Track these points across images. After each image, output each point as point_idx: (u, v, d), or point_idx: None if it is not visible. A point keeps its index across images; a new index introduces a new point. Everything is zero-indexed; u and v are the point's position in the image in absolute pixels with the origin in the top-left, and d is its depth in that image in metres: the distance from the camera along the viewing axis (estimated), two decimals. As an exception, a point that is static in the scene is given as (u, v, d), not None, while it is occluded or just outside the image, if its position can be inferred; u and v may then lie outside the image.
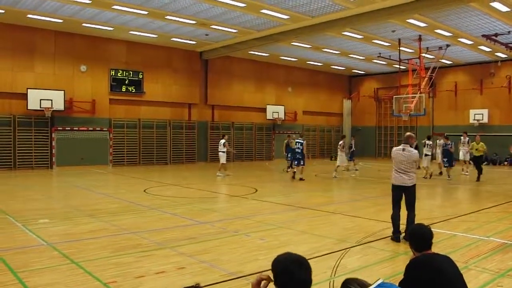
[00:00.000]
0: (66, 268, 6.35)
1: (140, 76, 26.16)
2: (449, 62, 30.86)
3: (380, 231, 8.87)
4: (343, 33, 23.24)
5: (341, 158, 20.84)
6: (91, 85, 24.47)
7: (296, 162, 19.66)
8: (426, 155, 20.25)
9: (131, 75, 25.81)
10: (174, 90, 27.67)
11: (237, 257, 7.04)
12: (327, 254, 7.25)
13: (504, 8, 18.89)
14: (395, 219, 8.23)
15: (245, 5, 18.87)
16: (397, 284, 3.24)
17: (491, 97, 30.67)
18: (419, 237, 3.84)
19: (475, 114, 30.91)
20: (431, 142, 21.05)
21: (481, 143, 19.81)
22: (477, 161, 19.79)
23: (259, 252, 7.40)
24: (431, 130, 32.51)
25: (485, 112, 30.53)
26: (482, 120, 30.56)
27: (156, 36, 24.37)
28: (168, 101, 27.50)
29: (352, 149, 24.12)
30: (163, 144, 27.35)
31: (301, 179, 18.90)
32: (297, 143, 19.63)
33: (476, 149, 19.79)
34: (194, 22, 21.59)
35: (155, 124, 26.98)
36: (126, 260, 6.73)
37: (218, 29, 22.81)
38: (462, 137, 22.21)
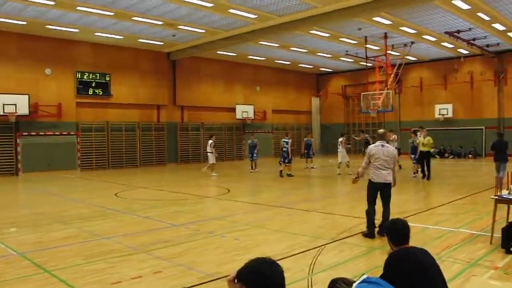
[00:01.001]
0: (39, 277, 6.19)
1: (107, 79, 25.74)
2: (414, 59, 31.46)
3: (354, 227, 8.98)
4: (310, 31, 23.40)
5: (342, 154, 20.91)
6: (56, 89, 23.92)
7: (282, 160, 20.35)
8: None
9: (98, 78, 25.36)
10: (142, 92, 27.34)
11: (214, 259, 7.01)
12: (303, 252, 7.30)
13: (465, 6, 19.34)
14: (372, 214, 8.31)
15: (212, 4, 18.77)
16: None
17: (455, 92, 31.44)
18: (397, 231, 3.90)
19: (440, 109, 31.61)
20: (394, 136, 21.04)
21: (428, 137, 18.07)
22: (425, 158, 17.91)
23: (236, 252, 7.39)
24: (398, 126, 33.15)
25: (449, 106, 31.27)
26: (447, 114, 31.29)
27: (123, 37, 24.01)
28: (136, 103, 27.14)
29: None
30: (132, 146, 26.99)
31: (289, 175, 19.75)
32: (284, 142, 20.45)
33: (423, 144, 17.90)
34: (161, 22, 21.37)
35: (124, 126, 26.59)
36: (101, 267, 6.62)
37: (186, 29, 22.64)
38: (419, 133, 20.22)
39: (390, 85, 26.00)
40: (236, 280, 2.41)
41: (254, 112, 32.66)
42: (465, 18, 21.27)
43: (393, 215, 9.29)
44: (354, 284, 2.88)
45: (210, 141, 21.54)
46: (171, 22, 21.39)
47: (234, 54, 29.68)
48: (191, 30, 22.87)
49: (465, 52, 28.71)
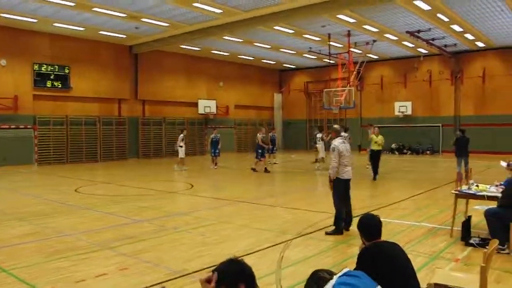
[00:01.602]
0: (-3, 276, 5.97)
1: (67, 71, 25.03)
2: (375, 57, 32.03)
3: (319, 222, 9.07)
4: (275, 27, 23.44)
5: (322, 149, 21.09)
6: (12, 81, 23.08)
7: (260, 156, 20.44)
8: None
9: (56, 70, 24.61)
10: (103, 85, 26.74)
11: (181, 255, 6.94)
12: (270, 247, 7.32)
13: (426, 7, 19.81)
14: (343, 212, 8.37)
15: (177, -3, 18.57)
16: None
17: (414, 90, 32.21)
18: (371, 227, 3.95)
19: (399, 106, 32.34)
20: (347, 134, 20.91)
21: (380, 136, 17.14)
22: (376, 157, 16.87)
23: (202, 248, 7.33)
24: (360, 122, 33.73)
25: (408, 104, 32.03)
26: (406, 111, 32.04)
27: (83, 29, 23.40)
28: (97, 96, 26.53)
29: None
30: (92, 141, 26.37)
31: (253, 169, 19.94)
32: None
33: (376, 142, 16.96)
34: (123, 15, 20.94)
35: (84, 120, 25.95)
36: (64, 265, 6.44)
37: (149, 22, 22.27)
38: (369, 130, 19.78)
39: (352, 82, 26.38)
40: (214, 282, 2.40)
41: (217, 107, 32.52)
42: (426, 19, 21.79)
43: (356, 210, 9.48)
44: (335, 277, 2.91)
45: (181, 135, 21.38)
46: (134, 14, 20.99)
47: (198, 49, 29.43)
48: (154, 23, 22.53)
49: (424, 51, 29.43)
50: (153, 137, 29.67)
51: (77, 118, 25.62)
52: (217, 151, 21.84)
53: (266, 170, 19.67)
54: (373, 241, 3.82)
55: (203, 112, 31.75)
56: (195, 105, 31.57)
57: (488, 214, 7.03)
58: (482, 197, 7.62)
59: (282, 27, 23.35)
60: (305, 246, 7.42)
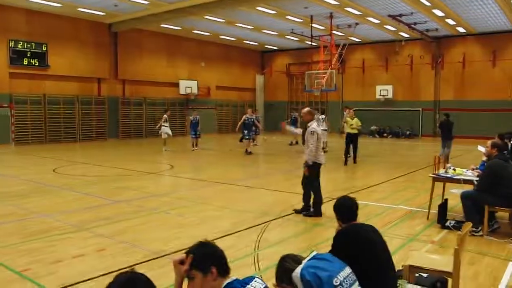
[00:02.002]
0: (-29, 256, 5.87)
1: (44, 49, 24.44)
2: (358, 40, 32.02)
3: (299, 204, 9.09)
4: (256, 8, 23.21)
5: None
6: (-13, 58, 22.55)
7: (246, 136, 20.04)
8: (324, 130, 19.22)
9: (33, 47, 24.02)
10: (82, 64, 26.22)
11: (158, 236, 6.92)
12: (249, 228, 7.35)
13: (408, -11, 19.87)
14: (321, 196, 8.41)
15: (157, -25, 18.22)
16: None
17: (395, 74, 32.39)
18: (346, 208, 3.96)
19: (381, 90, 32.51)
20: (323, 117, 20.32)
21: (356, 118, 16.57)
22: (352, 140, 16.38)
23: (180, 229, 7.32)
24: (341, 105, 33.81)
25: (389, 88, 32.21)
26: (387, 95, 32.24)
27: (61, 5, 22.81)
28: (75, 75, 26.01)
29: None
30: (71, 120, 25.95)
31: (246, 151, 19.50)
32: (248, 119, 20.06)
33: (351, 125, 16.38)
34: (102, -9, 20.53)
35: (62, 100, 25.48)
36: (40, 246, 6.37)
37: (128, 0, 21.87)
38: (345, 113, 19.26)
39: (334, 65, 26.38)
40: (188, 265, 2.41)
41: (198, 88, 32.24)
42: (408, 3, 21.84)
43: (335, 192, 9.57)
44: (304, 261, 2.91)
45: (165, 116, 21.18)
46: (113, -9, 20.59)
47: (179, 28, 29.03)
48: (133, 1, 22.12)
49: (406, 35, 29.51)
50: (133, 118, 29.34)
51: (55, 97, 25.15)
52: (198, 132, 21.40)
53: (247, 152, 19.47)
54: (349, 223, 3.83)
55: (184, 93, 31.46)
56: (176, 85, 31.24)
57: (464, 197, 7.13)
58: (458, 181, 7.73)
59: (263, 7, 23.14)
60: (283, 227, 7.47)
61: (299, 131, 17.90)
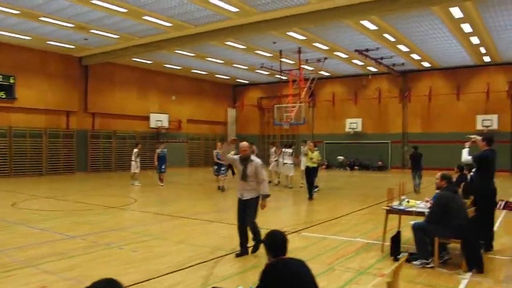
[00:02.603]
0: None
1: (12, 81, 24.19)
2: (327, 74, 32.63)
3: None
4: (226, 43, 23.55)
5: (291, 167, 19.48)
6: (-48, 90, 22.17)
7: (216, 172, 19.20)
8: (287, 163, 19.27)
9: (0, 79, 23.77)
10: (50, 97, 26.01)
11: (106, 272, 6.73)
12: (201, 263, 7.23)
13: (373, 27, 20.42)
14: None
15: (126, 10, 18.35)
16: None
17: (364, 108, 32.98)
18: (276, 242, 3.94)
19: (350, 123, 33.01)
20: (291, 150, 19.70)
21: (316, 152, 16.36)
22: (311, 174, 15.84)
23: (131, 265, 7.15)
24: (312, 138, 34.04)
25: (359, 121, 32.74)
26: (357, 128, 32.72)
27: (30, 38, 22.76)
28: (43, 108, 25.77)
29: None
30: (37, 154, 25.53)
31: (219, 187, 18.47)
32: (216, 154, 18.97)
33: (311, 159, 15.97)
34: (72, 25, 20.55)
35: (29, 132, 25.14)
36: (-20, 282, 6.14)
37: (98, 33, 21.93)
38: (302, 147, 19.19)
39: (303, 99, 26.71)
40: None
41: (169, 121, 32.20)
42: (373, 38, 22.43)
43: (297, 226, 9.58)
44: None
45: (135, 150, 20.93)
46: (83, 25, 20.64)
47: (150, 62, 29.16)
48: (104, 35, 22.21)
49: (374, 70, 30.22)
50: (103, 151, 29.04)
51: (21, 130, 24.78)
52: (163, 167, 20.23)
53: (219, 188, 18.41)
54: (278, 258, 3.81)
55: (155, 126, 31.37)
56: (147, 118, 31.17)
57: (415, 229, 7.19)
58: (411, 213, 7.80)
59: (233, 42, 23.49)
60: (235, 262, 7.37)
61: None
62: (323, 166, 32.89)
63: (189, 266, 7.00)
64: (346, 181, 23.42)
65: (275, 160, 20.65)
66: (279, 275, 3.55)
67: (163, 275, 6.53)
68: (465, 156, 8.51)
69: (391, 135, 31.91)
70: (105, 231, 9.93)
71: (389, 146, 32.00)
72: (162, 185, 19.92)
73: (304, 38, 22.58)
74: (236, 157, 7.87)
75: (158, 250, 8.20)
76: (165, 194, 17.85)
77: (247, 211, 7.65)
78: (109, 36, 22.41)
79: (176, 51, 25.72)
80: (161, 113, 31.94)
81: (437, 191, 7.38)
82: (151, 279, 6.37)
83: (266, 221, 10.78)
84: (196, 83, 35.36)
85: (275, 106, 27.95)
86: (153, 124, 31.22)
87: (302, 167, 18.01)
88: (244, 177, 7.61)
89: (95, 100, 28.40)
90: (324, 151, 33.89)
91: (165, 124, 31.91)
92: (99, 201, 14.83)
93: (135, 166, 20.60)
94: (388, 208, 8.12)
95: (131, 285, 6.08)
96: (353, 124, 32.85)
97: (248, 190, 7.68)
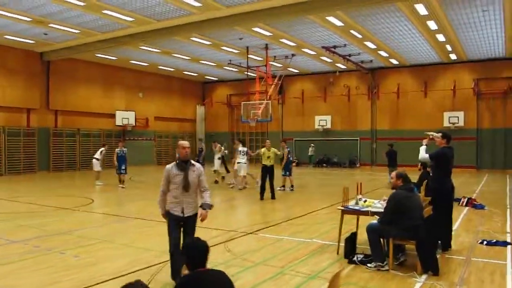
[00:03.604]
0: None
1: (-33, 77, 23.21)
2: (296, 71, 32.37)
3: (210, 239, 8.60)
4: (191, 38, 23.03)
5: (245, 166, 17.98)
6: None
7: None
8: (240, 163, 17.81)
9: (-47, 76, 22.77)
10: (9, 93, 24.99)
11: (39, 280, 6.26)
12: (144, 268, 6.79)
13: (338, 23, 20.19)
14: None
15: (84, 4, 17.66)
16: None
17: (333, 105, 32.84)
18: (195, 252, 3.53)
19: (319, 120, 32.83)
20: (245, 149, 18.40)
21: (273, 149, 15.66)
22: (268, 172, 15.16)
23: (68, 272, 6.66)
24: (281, 136, 33.84)
25: (328, 118, 32.59)
26: (326, 125, 32.56)
27: (-16, 32, 21.83)
28: (2, 105, 24.76)
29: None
30: (-4, 153, 24.59)
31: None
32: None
33: (268, 157, 15.33)
34: (29, 19, 19.71)
35: (-14, 131, 24.18)
36: None
37: (58, 28, 21.11)
38: (238, 146, 18.43)
39: (270, 96, 26.37)
40: None
41: (136, 119, 31.45)
42: (340, 34, 22.23)
43: (253, 226, 9.20)
44: None
45: (102, 149, 20.25)
46: (41, 19, 19.84)
47: (115, 58, 28.38)
48: (64, 30, 21.41)
49: (342, 67, 30.02)
50: (66, 150, 28.15)
51: (-22, 128, 23.81)
52: (123, 167, 18.73)
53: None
54: (195, 271, 3.41)
55: (121, 124, 30.59)
56: (113, 116, 30.35)
57: (368, 230, 6.88)
58: (366, 213, 7.49)
59: (198, 38, 22.99)
60: (180, 267, 6.94)
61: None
62: (294, 164, 32.87)
63: (130, 273, 6.53)
64: (311, 179, 23.17)
65: (218, 159, 19.99)
66: None
67: (96, 284, 6.06)
68: (422, 154, 8.24)
69: (360, 132, 31.87)
70: (50, 235, 9.36)
71: (358, 143, 31.94)
72: (123, 187, 18.53)
73: (270, 34, 22.25)
74: (170, 166, 6.10)
75: (101, 254, 7.71)
76: (125, 194, 17.21)
77: (187, 231, 6.09)
78: (69, 31, 21.63)
79: (141, 47, 25.07)
80: (127, 111, 31.15)
81: (393, 190, 7.07)
82: (84, 288, 5.92)
83: (223, 223, 10.44)
84: (164, 80, 34.68)
85: (242, 103, 27.58)
86: (119, 121, 30.43)
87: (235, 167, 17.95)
88: (186, 186, 5.97)
89: (57, 97, 27.49)
90: (293, 148, 33.71)
91: (132, 121, 31.15)
92: (53, 202, 14.16)
93: (97, 165, 19.85)
94: (342, 208, 7.80)
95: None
96: (323, 121, 32.69)
97: (190, 203, 6.09)
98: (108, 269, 6.74)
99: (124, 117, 30.66)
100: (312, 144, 32.69)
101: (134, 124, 31.31)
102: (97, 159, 19.98)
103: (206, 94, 38.93)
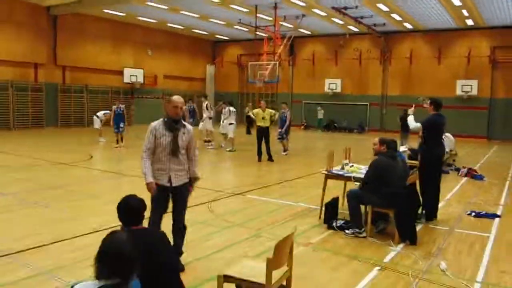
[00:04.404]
0: None
1: (-27, 29, 23.11)
2: (308, 32, 31.68)
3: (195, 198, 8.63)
4: (199, -5, 22.56)
5: (234, 126, 17.53)
6: None
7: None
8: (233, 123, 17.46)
9: (-39, 28, 22.68)
10: (17, 48, 24.84)
11: (19, 232, 6.38)
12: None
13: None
14: None
15: (87, -44, 17.32)
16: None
17: (344, 68, 32.25)
18: (129, 209, 3.49)
19: (329, 83, 32.34)
20: (233, 109, 17.99)
21: (269, 110, 15.29)
22: (264, 134, 14.72)
23: (48, 225, 6.73)
24: (290, 97, 33.55)
25: (338, 82, 32.07)
26: (336, 89, 32.10)
27: (-9, -16, 21.59)
28: (10, 59, 24.67)
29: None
30: (4, 107, 24.66)
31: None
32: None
33: (263, 118, 14.81)
34: (33, -29, 19.44)
35: (-6, 84, 24.26)
36: None
37: (63, -19, 20.84)
38: (227, 108, 17.89)
39: (278, 56, 25.92)
40: None
41: (144, 77, 31.29)
42: (349, -5, 21.56)
43: (243, 187, 9.19)
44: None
45: (107, 112, 19.44)
46: (45, -29, 19.54)
47: (123, 14, 27.98)
48: (68, -18, 21.09)
49: (355, 29, 29.32)
50: (74, 105, 28.18)
51: (-15, 81, 23.88)
52: (121, 126, 17.82)
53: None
54: (130, 228, 3.37)
55: (129, 81, 30.46)
56: (121, 73, 30.16)
57: (349, 196, 6.79)
58: (349, 178, 7.38)
59: (206, -5, 22.49)
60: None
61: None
62: (302, 126, 32.75)
63: (111, 227, 6.54)
64: (317, 143, 23.02)
65: (209, 118, 18.25)
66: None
67: (75, 237, 6.12)
68: (412, 123, 8.07)
69: (370, 97, 31.38)
70: (41, 189, 9.46)
71: (367, 108, 31.54)
72: (118, 147, 17.61)
73: (279, -8, 21.67)
74: (156, 123, 5.12)
75: (87, 209, 7.78)
76: (126, 152, 17.16)
77: (177, 205, 5.23)
78: (74, -16, 21.32)
79: (148, 3, 24.59)
80: (136, 68, 30.96)
81: (376, 157, 6.91)
82: (59, 241, 5.97)
83: (213, 183, 10.43)
84: (173, 38, 34.23)
85: (249, 63, 27.18)
86: (127, 79, 30.28)
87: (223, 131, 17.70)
88: (175, 150, 5.03)
89: (65, 53, 27.32)
90: (302, 111, 33.51)
91: (140, 79, 31.00)
92: (53, 157, 14.25)
93: (97, 123, 19.82)
94: (326, 172, 7.71)
95: (36, 247, 5.69)
96: (333, 84, 32.20)
97: (180, 171, 5.15)
98: (90, 224, 6.77)
99: (133, 75, 30.49)
100: (320, 107, 32.19)
101: (142, 82, 31.17)
102: (97, 117, 19.91)
103: (216, 53, 38.46)
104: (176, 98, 5.06)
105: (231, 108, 17.87)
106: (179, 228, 5.25)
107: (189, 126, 5.26)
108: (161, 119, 5.10)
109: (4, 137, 21.29)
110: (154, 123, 5.11)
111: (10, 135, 22.19)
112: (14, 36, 24.74)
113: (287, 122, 16.48)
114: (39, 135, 22.65)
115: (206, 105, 18.01)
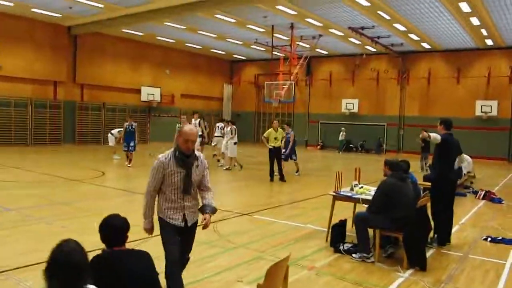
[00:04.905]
0: None
1: (-5, 48, 23.60)
2: (325, 52, 31.66)
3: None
4: (215, 15, 22.67)
5: (234, 147, 17.53)
6: None
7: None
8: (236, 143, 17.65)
9: (-18, 47, 23.16)
10: (37, 66, 25.33)
11: (19, 248, 6.33)
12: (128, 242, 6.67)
13: (365, 3, 19.40)
14: None
15: (106, -23, 17.60)
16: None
17: (361, 88, 32.06)
18: (112, 229, 3.38)
19: (346, 103, 32.14)
20: (222, 124, 18.47)
21: (281, 130, 15.09)
22: (276, 154, 14.66)
23: (49, 241, 6.59)
24: (307, 117, 33.43)
25: (355, 102, 31.85)
26: (353, 109, 31.87)
27: (12, 4, 21.98)
28: (29, 77, 25.14)
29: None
30: (23, 124, 25.03)
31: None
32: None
33: (275, 138, 14.61)
34: (53, -9, 19.81)
35: (13, 102, 24.60)
36: None
37: (82, 2, 21.14)
38: (221, 125, 18.55)
39: (294, 76, 25.87)
40: None
41: (161, 95, 31.52)
42: (368, 16, 21.47)
43: (252, 207, 8.99)
44: None
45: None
46: (64, -8, 19.90)
47: (141, 34, 28.36)
48: (87, 4, 21.39)
49: (372, 49, 29.18)
50: (91, 123, 28.50)
51: (5, 99, 24.25)
52: (132, 145, 17.31)
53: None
54: (111, 249, 3.25)
55: (146, 100, 30.71)
56: (139, 92, 30.48)
57: (356, 218, 6.57)
58: (357, 200, 7.17)
59: (222, 15, 22.61)
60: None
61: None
62: (318, 146, 32.48)
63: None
64: (332, 163, 22.71)
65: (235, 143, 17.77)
66: (103, 270, 3.00)
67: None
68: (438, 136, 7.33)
69: (387, 117, 31.05)
70: (48, 205, 9.45)
71: (385, 129, 31.18)
72: (129, 166, 17.21)
73: (295, 13, 21.65)
74: (164, 159, 4.43)
75: (90, 226, 7.58)
76: (139, 170, 17.08)
77: (186, 245, 4.61)
78: (93, 5, 21.60)
79: (166, 23, 24.89)
80: (153, 87, 31.21)
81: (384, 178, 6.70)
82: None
83: (221, 202, 10.21)
84: (191, 57, 34.51)
85: (265, 82, 27.18)
86: (144, 97, 30.56)
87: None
88: (187, 189, 4.44)
89: (84, 71, 27.75)
90: (319, 130, 33.31)
91: (157, 98, 31.23)
92: (66, 173, 14.29)
93: (112, 140, 19.95)
94: (334, 193, 7.50)
95: (32, 264, 5.60)
96: (350, 104, 31.99)
97: (193, 206, 4.60)
98: (92, 241, 6.62)
99: (150, 93, 30.75)
100: (343, 128, 31.59)
101: (159, 100, 31.38)
102: (112, 134, 20.08)
103: (234, 73, 38.65)
104: (188, 130, 4.35)
105: (234, 127, 17.79)
106: (182, 263, 4.68)
107: (201, 156, 4.60)
108: (171, 152, 4.43)
109: (21, 153, 21.53)
110: (162, 158, 4.41)
111: (27, 152, 22.38)
112: (35, 54, 25.25)
113: (291, 143, 16.15)
114: (56, 152, 22.83)
115: (231, 129, 17.77)
